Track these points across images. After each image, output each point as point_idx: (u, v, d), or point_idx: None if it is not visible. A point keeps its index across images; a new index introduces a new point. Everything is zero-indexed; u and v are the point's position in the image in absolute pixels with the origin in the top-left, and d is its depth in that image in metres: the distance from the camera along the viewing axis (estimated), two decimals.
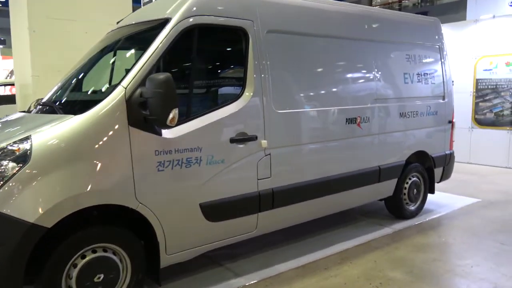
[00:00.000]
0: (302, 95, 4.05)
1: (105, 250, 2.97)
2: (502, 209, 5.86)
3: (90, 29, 6.38)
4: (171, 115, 2.90)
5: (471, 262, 4.05)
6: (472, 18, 10.00)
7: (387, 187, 5.02)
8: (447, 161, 5.77)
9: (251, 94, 3.61)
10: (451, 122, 5.77)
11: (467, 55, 9.42)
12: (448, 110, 5.73)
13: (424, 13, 19.77)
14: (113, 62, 3.66)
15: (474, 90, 9.37)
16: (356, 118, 4.48)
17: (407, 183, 5.30)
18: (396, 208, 5.32)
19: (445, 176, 5.85)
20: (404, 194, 5.29)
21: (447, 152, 5.76)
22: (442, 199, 6.31)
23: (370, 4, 26.83)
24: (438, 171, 5.68)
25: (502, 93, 8.97)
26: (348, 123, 4.41)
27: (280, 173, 3.87)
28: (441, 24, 10.03)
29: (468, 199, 6.36)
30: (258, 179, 3.71)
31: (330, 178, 4.27)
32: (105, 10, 6.53)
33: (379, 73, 4.75)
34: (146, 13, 3.83)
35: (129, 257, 3.06)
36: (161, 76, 2.85)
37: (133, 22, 3.77)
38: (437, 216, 5.55)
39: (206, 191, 3.40)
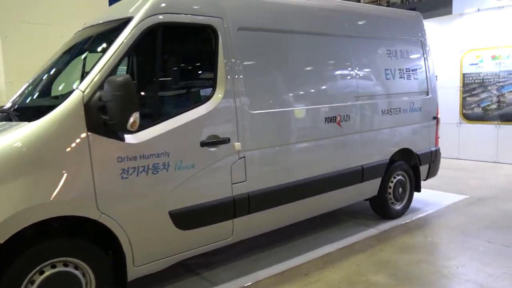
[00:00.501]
0: (277, 94, 3.89)
1: (65, 265, 2.79)
2: (491, 205, 5.74)
3: (66, 33, 6.19)
4: (131, 119, 2.73)
5: (457, 263, 3.91)
6: (458, 12, 9.89)
7: (371, 187, 4.87)
8: (433, 158, 5.64)
9: (222, 95, 3.44)
10: (435, 118, 5.65)
11: (453, 49, 9.33)
12: (432, 106, 5.60)
13: (412, 9, 19.74)
14: (76, 65, 3.48)
15: (461, 85, 9.28)
16: (335, 116, 4.33)
17: (392, 182, 5.16)
18: (381, 208, 5.18)
19: (431, 173, 5.73)
20: (389, 193, 5.15)
21: (433, 149, 5.63)
22: (430, 197, 6.19)
23: (358, 1, 26.82)
24: (424, 169, 5.55)
25: (489, 87, 8.88)
26: (328, 122, 4.26)
27: (256, 177, 3.71)
28: (427, 19, 9.98)
29: (456, 196, 6.24)
30: (232, 184, 3.55)
31: (310, 180, 4.12)
32: (81, 13, 6.33)
33: (359, 69, 4.61)
34: (111, 13, 3.65)
35: (93, 271, 2.88)
36: (120, 78, 2.69)
37: (98, 22, 3.59)
38: (424, 214, 5.42)
39: (175, 198, 3.22)
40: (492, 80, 8.81)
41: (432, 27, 9.77)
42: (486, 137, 8.97)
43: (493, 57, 8.73)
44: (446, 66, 9.45)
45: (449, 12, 12.77)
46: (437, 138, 5.71)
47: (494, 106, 8.83)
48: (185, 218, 3.28)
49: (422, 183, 5.87)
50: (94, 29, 3.59)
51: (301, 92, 4.07)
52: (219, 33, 3.46)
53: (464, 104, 9.31)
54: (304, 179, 4.07)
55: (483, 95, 8.99)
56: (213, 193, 3.44)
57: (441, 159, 9.30)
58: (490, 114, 8.92)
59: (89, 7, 6.38)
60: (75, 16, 6.19)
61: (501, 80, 8.67)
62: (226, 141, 3.45)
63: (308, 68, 4.14)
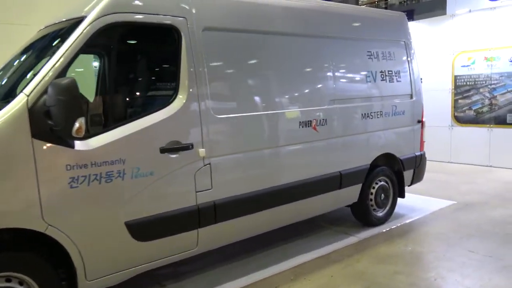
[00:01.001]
0: (246, 98, 3.72)
1: (8, 280, 2.62)
2: (478, 211, 5.56)
3: None
4: (76, 125, 2.56)
5: (435, 274, 3.73)
6: (451, 13, 9.72)
7: (350, 194, 4.69)
8: (418, 163, 5.46)
9: (185, 99, 3.27)
10: (420, 121, 5.47)
11: (444, 51, 9.16)
12: (417, 109, 5.43)
13: (410, 11, 19.47)
14: (27, 66, 3.31)
15: (453, 87, 9.11)
16: (311, 121, 4.15)
17: (373, 188, 4.98)
18: (362, 215, 5.00)
19: (416, 178, 5.54)
20: (371, 200, 4.97)
21: (417, 153, 5.45)
22: (417, 202, 6.02)
23: (357, 3, 26.55)
24: (408, 174, 5.37)
25: (481, 90, 8.70)
26: (302, 127, 4.08)
27: (223, 184, 3.53)
28: (418, 21, 9.82)
29: (444, 202, 6.06)
30: (196, 192, 3.37)
31: (283, 187, 3.94)
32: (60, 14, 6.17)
33: (337, 72, 4.43)
34: (68, 12, 3.48)
35: (39, 286, 2.71)
36: (64, 81, 2.52)
37: (55, 22, 3.43)
38: (408, 221, 5.24)
39: (132, 207, 3.05)
40: (484, 82, 8.64)
41: (423, 28, 9.63)
42: (478, 141, 8.79)
43: (485, 59, 8.55)
44: (438, 68, 9.30)
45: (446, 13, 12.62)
46: (422, 142, 5.53)
47: (486, 108, 8.65)
48: (144, 229, 3.11)
49: (411, 188, 5.72)
50: (50, 28, 3.43)
51: (273, 96, 3.89)
52: (182, 33, 3.29)
53: (456, 107, 9.13)
54: (276, 186, 3.90)
55: (475, 98, 8.81)
56: (174, 201, 3.27)
57: (432, 163, 9.22)
58: (482, 117, 8.74)
59: (69, 8, 6.22)
60: (55, 17, 6.03)
61: (493, 82, 8.49)
62: (188, 147, 3.28)
63: (281, 71, 3.96)
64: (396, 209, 5.55)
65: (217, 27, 3.52)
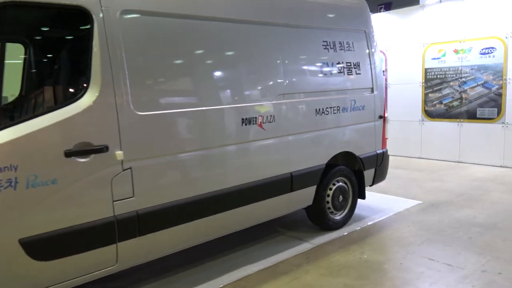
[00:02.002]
0: (176, 92, 3.27)
1: None
2: (442, 211, 5.26)
3: None
4: None
5: None
6: (422, 3, 9.41)
7: (303, 196, 4.30)
8: (380, 161, 5.11)
9: (97, 93, 2.80)
10: (382, 117, 5.11)
11: (415, 43, 8.85)
12: (379, 104, 5.06)
13: (388, 4, 19.08)
14: None
15: (423, 81, 8.82)
16: (256, 117, 3.73)
17: (330, 189, 4.61)
18: (318, 219, 4.62)
19: (378, 178, 5.20)
20: (327, 202, 4.60)
21: (379, 151, 5.09)
22: (381, 202, 5.69)
23: None
24: (368, 174, 5.01)
25: (451, 83, 8.43)
26: (246, 124, 3.66)
27: (149, 191, 3.09)
28: (389, 12, 9.49)
29: (408, 202, 5.74)
30: (114, 201, 2.92)
31: (222, 192, 3.52)
32: None
33: (287, 63, 4.02)
34: None
35: None
36: None
37: None
38: (368, 224, 4.89)
39: (29, 222, 2.58)
40: (454, 75, 8.37)
41: (392, 19, 9.30)
42: (448, 136, 8.54)
43: (455, 51, 8.27)
44: (408, 60, 9.00)
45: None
46: (384, 139, 5.18)
47: (457, 102, 8.39)
48: (44, 247, 2.65)
49: (376, 186, 5.39)
50: None
51: (209, 90, 3.45)
52: (94, 16, 2.81)
53: (426, 101, 8.85)
54: (215, 191, 3.47)
55: (446, 91, 8.54)
56: (84, 214, 2.81)
57: (402, 159, 8.97)
58: (452, 111, 8.48)
59: None
60: None
61: (463, 75, 8.22)
62: (102, 149, 2.82)
63: (218, 62, 3.52)
64: (358, 210, 5.21)
65: (139, 10, 3.05)
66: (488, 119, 7.96)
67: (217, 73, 3.51)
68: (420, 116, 8.95)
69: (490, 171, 7.51)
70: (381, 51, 9.45)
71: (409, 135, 9.13)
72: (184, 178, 3.31)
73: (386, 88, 9.45)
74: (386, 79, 9.46)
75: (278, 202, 4.03)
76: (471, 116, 8.20)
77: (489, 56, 7.82)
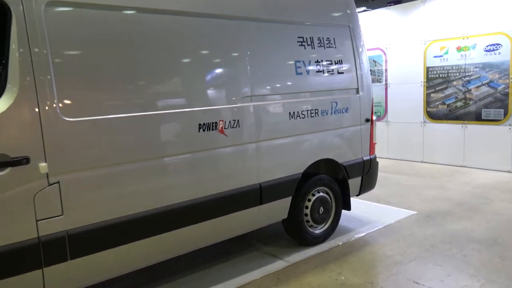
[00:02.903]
0: (115, 94, 2.86)
1: None
2: (438, 224, 4.78)
3: None
4: None
5: None
6: None
7: (276, 209, 3.88)
8: (367, 168, 4.66)
9: (14, 97, 2.43)
10: (369, 120, 4.66)
11: (415, 40, 8.35)
12: (365, 106, 4.61)
13: (397, 2, 18.37)
14: None
15: (425, 80, 8.31)
16: (216, 122, 3.33)
17: (309, 200, 4.18)
18: (295, 233, 4.19)
19: (366, 187, 4.74)
20: (306, 215, 4.17)
21: (366, 157, 4.64)
22: (370, 213, 5.23)
23: None
24: (354, 183, 4.56)
25: (455, 82, 7.91)
26: (204, 130, 3.25)
27: (81, 208, 2.71)
28: (388, 8, 9.00)
29: (402, 212, 5.27)
30: (37, 220, 2.55)
31: (175, 207, 3.12)
32: None
33: (254, 62, 3.61)
34: None
35: None
36: None
37: None
38: (353, 239, 4.44)
39: None
40: (457, 74, 7.84)
41: (392, 16, 8.82)
42: (452, 138, 8.02)
43: (458, 49, 7.75)
44: (409, 58, 8.50)
45: None
46: (372, 144, 4.73)
47: (460, 103, 7.86)
48: None
49: (368, 194, 4.96)
50: None
51: (155, 92, 3.05)
52: (11, 8, 2.44)
53: (428, 101, 8.33)
54: (163, 207, 3.07)
55: (448, 91, 8.02)
56: (1, 235, 2.43)
57: (402, 163, 8.46)
58: (456, 112, 7.95)
59: None
60: None
61: (467, 74, 7.70)
62: (21, 161, 2.45)
63: (168, 60, 3.11)
64: (345, 222, 4.79)
65: (69, 2, 2.67)
66: (494, 120, 7.42)
67: (166, 73, 3.09)
68: (422, 117, 8.43)
69: (495, 177, 6.97)
70: (380, 49, 9.01)
71: (410, 137, 8.63)
72: (125, 192, 2.91)
73: (386, 88, 8.98)
74: (386, 79, 8.97)
75: (245, 216, 3.61)
76: (476, 117, 7.66)
77: (495, 53, 7.28)
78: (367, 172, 4.66)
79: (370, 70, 9.23)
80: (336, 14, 4.39)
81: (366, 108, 4.62)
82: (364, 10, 9.25)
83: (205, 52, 3.31)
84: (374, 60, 9.13)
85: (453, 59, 7.85)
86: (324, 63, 4.17)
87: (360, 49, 4.57)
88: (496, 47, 7.25)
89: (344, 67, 4.38)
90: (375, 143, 4.79)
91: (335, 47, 4.29)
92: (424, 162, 8.42)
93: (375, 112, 9.19)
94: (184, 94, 3.19)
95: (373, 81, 9.16)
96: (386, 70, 8.96)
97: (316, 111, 4.07)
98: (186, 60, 3.20)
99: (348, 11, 4.51)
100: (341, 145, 4.39)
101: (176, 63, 3.14)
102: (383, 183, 6.74)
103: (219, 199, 3.37)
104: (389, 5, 8.87)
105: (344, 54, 4.40)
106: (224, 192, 3.42)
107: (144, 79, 2.98)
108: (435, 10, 8.05)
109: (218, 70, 3.41)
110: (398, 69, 8.77)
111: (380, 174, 7.24)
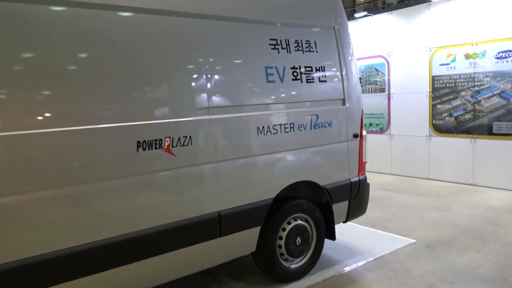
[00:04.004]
0: (26, 105, 2.31)
1: None
2: (439, 256, 4.12)
3: None
4: None
5: None
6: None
7: (240, 242, 3.28)
8: (355, 191, 4.03)
9: None
10: (358, 136, 4.04)
11: (420, 47, 7.71)
12: (353, 119, 4.00)
13: None
14: None
15: (431, 90, 7.65)
16: (161, 139, 2.75)
17: (283, 230, 3.57)
18: (267, 268, 3.58)
19: (354, 212, 4.11)
20: (280, 246, 3.55)
21: (354, 179, 4.02)
22: (361, 241, 4.59)
23: (353, 5, 23.75)
24: (340, 208, 3.94)
25: (463, 93, 7.24)
26: (144, 149, 2.68)
27: None
28: (391, 13, 8.39)
29: (398, 240, 4.61)
30: None
31: (102, 243, 2.54)
32: None
33: (215, 67, 3.05)
34: None
35: None
36: None
37: None
38: (336, 274, 3.80)
39: None
40: (466, 83, 7.18)
41: (394, 21, 8.22)
42: (460, 154, 7.32)
43: (467, 56, 7.09)
44: (413, 66, 7.87)
45: None
46: (362, 163, 4.10)
47: (469, 115, 7.18)
48: None
49: (361, 218, 4.32)
50: None
51: (78, 100, 2.49)
52: None
53: (434, 113, 7.67)
54: (92, 242, 2.50)
55: (456, 102, 7.35)
56: None
57: (406, 180, 7.78)
58: (464, 126, 7.27)
59: None
60: None
61: (476, 83, 7.03)
62: None
63: (98, 61, 2.56)
64: (330, 252, 4.19)
65: None
66: (506, 135, 6.72)
67: (91, 77, 2.52)
68: (428, 130, 7.76)
69: (508, 198, 6.26)
70: (382, 57, 8.39)
71: (415, 152, 7.95)
72: (44, 225, 2.35)
73: (388, 98, 8.34)
74: (389, 88, 8.34)
75: (201, 251, 3.01)
76: (486, 131, 6.97)
77: (507, 61, 6.61)
78: (355, 196, 4.03)
79: (372, 79, 8.68)
80: (319, 14, 3.81)
81: (355, 122, 4.01)
82: (365, 15, 8.65)
83: (147, 53, 2.74)
84: (376, 69, 8.52)
85: (461, 67, 7.19)
86: (302, 69, 3.58)
87: (348, 54, 3.97)
88: (508, 54, 6.58)
89: (328, 74, 3.79)
90: (365, 162, 4.16)
91: (317, 51, 3.71)
92: (430, 179, 7.73)
93: (377, 124, 8.56)
94: (117, 104, 2.63)
95: (375, 91, 8.56)
96: (389, 79, 8.33)
97: (292, 125, 3.48)
98: (120, 62, 2.63)
99: (334, 11, 3.94)
100: (322, 165, 3.78)
101: (105, 65, 2.58)
102: (381, 203, 6.11)
103: (165, 231, 2.79)
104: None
105: (328, 60, 3.81)
106: (172, 223, 2.83)
107: (60, 85, 2.41)
108: (441, 15, 7.42)
109: (165, 76, 2.84)
110: (402, 78, 8.14)
111: (379, 193, 6.67)
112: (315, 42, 3.70)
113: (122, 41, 2.64)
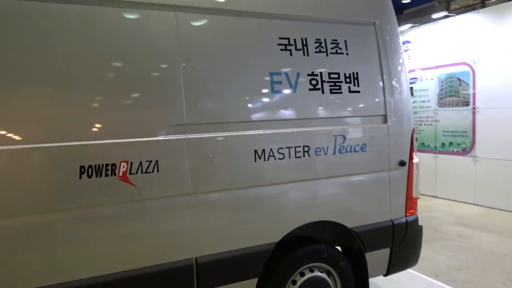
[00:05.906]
0: None
1: None
2: None
3: None
4: None
5: None
6: None
7: None
8: (400, 236, 3.06)
9: None
10: (405, 163, 3.07)
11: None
12: (398, 141, 3.05)
13: None
14: None
15: None
16: (114, 164, 2.15)
17: (293, 283, 2.75)
18: None
19: (399, 263, 3.14)
20: None
21: (399, 219, 3.06)
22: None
23: (448, 8, 21.89)
24: (377, 257, 3.01)
25: None
26: (89, 176, 2.10)
27: None
28: (477, 12, 7.04)
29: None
30: None
31: None
32: None
33: (197, 72, 2.39)
34: None
35: None
36: None
37: None
38: None
39: None
40: None
41: (482, 22, 6.89)
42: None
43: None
44: (505, 76, 6.47)
45: None
46: (411, 199, 3.12)
47: None
48: None
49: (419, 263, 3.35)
50: None
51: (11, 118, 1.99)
52: None
53: None
54: None
55: None
56: None
57: (494, 213, 6.35)
58: None
59: None
60: None
61: None
62: None
63: (30, 62, 2.03)
64: None
65: None
66: None
67: (17, 84, 2.01)
68: None
69: None
70: (466, 64, 7.05)
71: (506, 179, 6.48)
72: None
73: (474, 113, 6.97)
74: (474, 102, 6.98)
75: None
76: None
77: None
78: (400, 242, 3.06)
79: (454, 90, 7.35)
80: (353, 5, 2.96)
81: (401, 145, 3.06)
82: (446, 16, 7.40)
83: (95, 52, 2.16)
84: (458, 78, 7.21)
85: None
86: (325, 77, 2.77)
87: (394, 58, 3.06)
88: None
89: (362, 83, 2.91)
90: (417, 198, 3.17)
91: (347, 54, 2.87)
92: (437, 197, 6.23)
93: (458, 144, 7.21)
94: (51, 118, 2.08)
95: (456, 104, 7.24)
96: (474, 91, 6.97)
97: (306, 148, 2.68)
98: (59, 64, 2.08)
99: (375, 4, 3.06)
100: (350, 201, 2.89)
101: (39, 68, 2.05)
102: (454, 244, 4.92)
103: (118, 283, 2.17)
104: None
105: (364, 64, 2.94)
106: (128, 271, 2.20)
107: None
108: None
109: (121, 80, 2.23)
110: (490, 89, 6.73)
111: (454, 229, 5.41)
112: (345, 41, 2.86)
113: (68, 39, 2.10)
